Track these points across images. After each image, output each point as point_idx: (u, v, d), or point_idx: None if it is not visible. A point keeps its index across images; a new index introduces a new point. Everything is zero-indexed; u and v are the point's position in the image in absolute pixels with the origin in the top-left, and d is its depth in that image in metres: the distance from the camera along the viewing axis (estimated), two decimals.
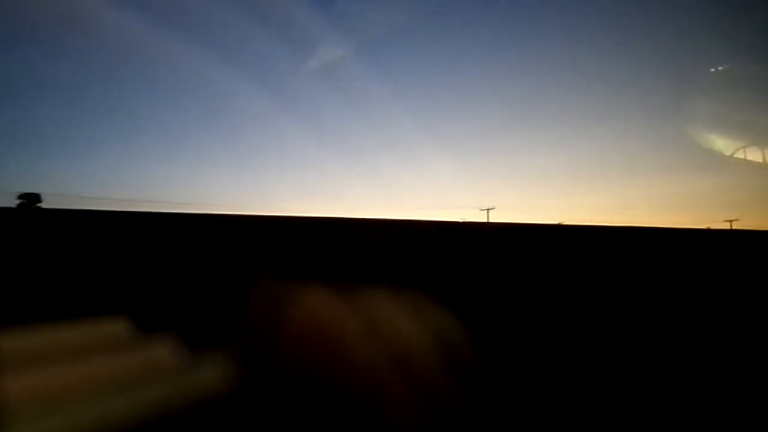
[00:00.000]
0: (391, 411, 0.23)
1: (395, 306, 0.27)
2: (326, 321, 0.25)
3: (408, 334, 0.26)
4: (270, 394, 0.23)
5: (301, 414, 0.23)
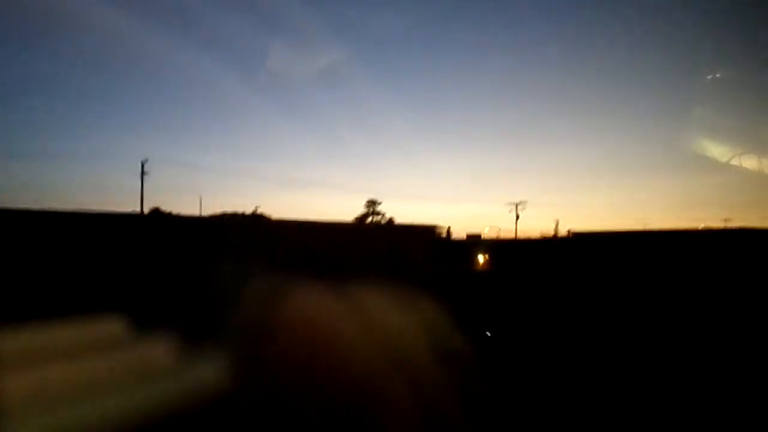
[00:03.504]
0: (387, 410, 0.23)
1: (387, 303, 0.27)
2: (319, 319, 0.25)
3: (400, 330, 0.26)
4: (263, 393, 0.24)
5: (295, 411, 0.23)
